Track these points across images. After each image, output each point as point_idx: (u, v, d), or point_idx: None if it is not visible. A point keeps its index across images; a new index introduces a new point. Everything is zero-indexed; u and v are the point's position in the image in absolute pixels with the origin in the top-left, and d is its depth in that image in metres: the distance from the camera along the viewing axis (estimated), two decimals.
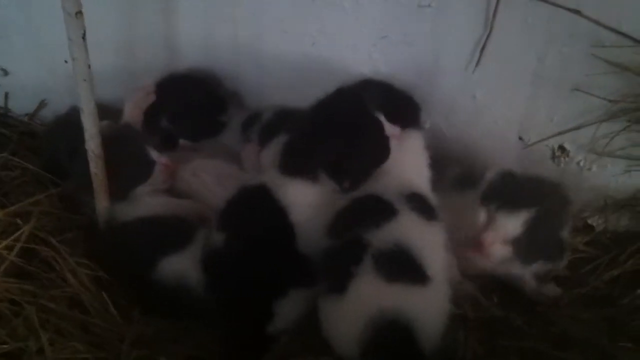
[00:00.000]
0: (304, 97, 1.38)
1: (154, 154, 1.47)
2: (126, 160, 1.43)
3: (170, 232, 1.36)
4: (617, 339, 1.28)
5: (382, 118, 1.28)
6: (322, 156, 1.25)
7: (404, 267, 1.12)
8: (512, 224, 1.29)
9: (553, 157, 1.55)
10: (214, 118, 1.65)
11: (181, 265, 1.30)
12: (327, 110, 1.30)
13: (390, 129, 1.28)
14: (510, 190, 1.33)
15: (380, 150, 1.27)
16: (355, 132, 1.25)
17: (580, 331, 1.28)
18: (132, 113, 1.56)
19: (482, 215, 1.32)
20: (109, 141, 1.36)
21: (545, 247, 1.33)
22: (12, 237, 1.28)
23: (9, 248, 1.26)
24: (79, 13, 1.18)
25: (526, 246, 1.30)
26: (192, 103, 1.61)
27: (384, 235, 1.14)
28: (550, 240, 1.33)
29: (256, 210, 1.28)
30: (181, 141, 1.61)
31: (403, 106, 1.39)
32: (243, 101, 1.73)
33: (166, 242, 1.33)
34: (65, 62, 1.68)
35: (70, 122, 1.58)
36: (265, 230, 1.25)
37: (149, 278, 1.30)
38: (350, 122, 1.25)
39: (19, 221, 1.33)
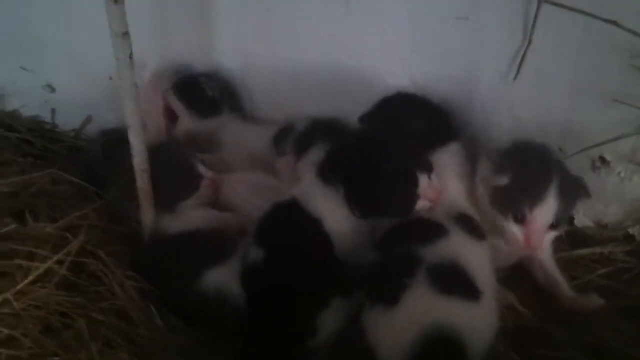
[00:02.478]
0: (339, 108, 1.40)
1: (201, 168, 1.48)
2: (174, 174, 1.44)
3: (213, 245, 1.37)
4: None
5: (423, 179, 1.26)
6: (345, 175, 1.26)
7: (458, 282, 1.14)
8: (548, 209, 1.27)
9: (593, 167, 1.54)
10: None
11: (223, 278, 1.31)
12: (377, 140, 1.32)
13: (425, 189, 1.26)
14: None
15: (401, 208, 1.27)
16: (387, 179, 1.25)
17: (618, 343, 1.28)
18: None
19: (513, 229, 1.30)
20: (157, 155, 1.38)
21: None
22: (64, 251, 1.29)
23: (60, 262, 1.28)
24: (126, 34, 1.21)
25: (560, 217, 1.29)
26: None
27: (437, 251, 1.16)
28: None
29: (289, 224, 1.30)
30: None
31: (436, 124, 1.42)
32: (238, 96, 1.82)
33: (209, 255, 1.34)
34: (110, 78, 1.73)
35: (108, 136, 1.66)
36: (300, 242, 1.26)
37: (192, 290, 1.31)
38: (388, 167, 1.26)
39: (68, 235, 1.35)
